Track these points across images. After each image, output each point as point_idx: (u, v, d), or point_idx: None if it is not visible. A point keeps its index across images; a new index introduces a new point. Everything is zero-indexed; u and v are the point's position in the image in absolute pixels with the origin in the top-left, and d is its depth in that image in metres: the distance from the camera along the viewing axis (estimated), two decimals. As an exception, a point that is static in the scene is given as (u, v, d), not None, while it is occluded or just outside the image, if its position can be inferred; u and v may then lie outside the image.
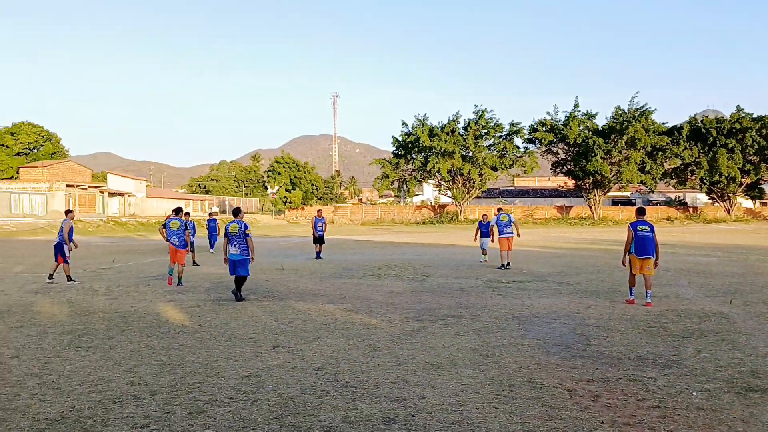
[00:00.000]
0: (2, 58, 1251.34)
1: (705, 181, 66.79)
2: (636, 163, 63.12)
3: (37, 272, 16.38)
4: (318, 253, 22.32)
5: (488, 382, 6.51)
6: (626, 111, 64.19)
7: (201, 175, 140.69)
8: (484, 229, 20.73)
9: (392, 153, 71.65)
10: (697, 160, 65.80)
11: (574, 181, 69.54)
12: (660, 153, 64.44)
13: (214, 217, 27.38)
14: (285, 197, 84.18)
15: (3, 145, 79.60)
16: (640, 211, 12.12)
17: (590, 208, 68.71)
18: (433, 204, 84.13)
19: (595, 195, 67.21)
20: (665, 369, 6.98)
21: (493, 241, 20.29)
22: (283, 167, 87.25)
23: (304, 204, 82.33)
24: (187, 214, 21.21)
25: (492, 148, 67.41)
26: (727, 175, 64.72)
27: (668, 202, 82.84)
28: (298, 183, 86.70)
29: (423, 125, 66.87)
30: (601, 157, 62.65)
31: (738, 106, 66.55)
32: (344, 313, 10.70)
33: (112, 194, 69.92)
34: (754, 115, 65.00)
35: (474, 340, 8.53)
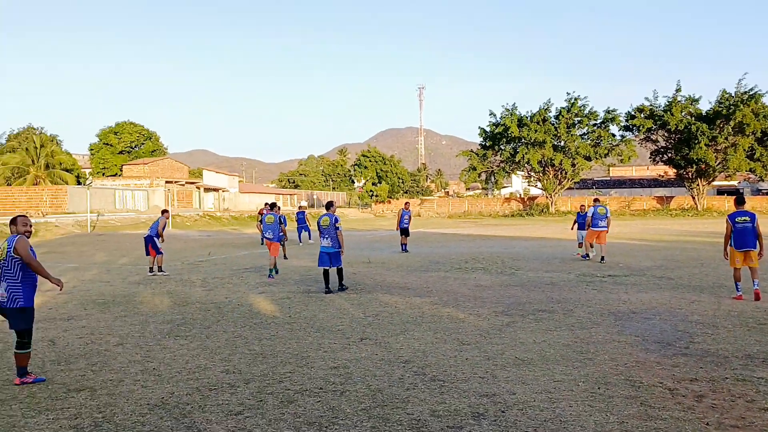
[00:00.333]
0: (109, 63, 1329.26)
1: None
2: (744, 150, 59.08)
3: (139, 264, 17.27)
4: (404, 246, 22.34)
5: (582, 379, 6.29)
6: (733, 94, 60.19)
7: (290, 170, 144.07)
8: (581, 221, 19.85)
9: (479, 144, 70.71)
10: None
11: (675, 170, 66.09)
12: (772, 138, 60.12)
13: (303, 210, 27.98)
14: (371, 191, 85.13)
15: (107, 144, 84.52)
16: (739, 201, 11.35)
17: (693, 198, 65.10)
18: (522, 196, 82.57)
19: (698, 185, 63.58)
20: (777, 370, 6.51)
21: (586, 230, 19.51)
22: (370, 161, 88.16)
23: (390, 197, 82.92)
24: (279, 208, 21.75)
25: (585, 136, 65.11)
26: None
27: (779, 192, 77.52)
28: (384, 176, 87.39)
29: (511, 115, 65.50)
30: (706, 145, 59.10)
31: None
32: (431, 306, 10.65)
33: (207, 190, 72.87)
34: None
35: (567, 335, 8.27)
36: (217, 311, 10.29)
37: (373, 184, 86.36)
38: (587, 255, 18.19)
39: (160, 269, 15.23)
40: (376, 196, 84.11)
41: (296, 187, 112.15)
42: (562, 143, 64.09)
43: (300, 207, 30.44)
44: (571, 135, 63.71)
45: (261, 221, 15.45)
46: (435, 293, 12.11)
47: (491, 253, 20.72)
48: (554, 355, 7.23)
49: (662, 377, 6.31)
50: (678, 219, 55.06)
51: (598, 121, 64.27)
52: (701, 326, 8.70)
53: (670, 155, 64.62)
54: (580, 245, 19.64)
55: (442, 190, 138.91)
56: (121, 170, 74.51)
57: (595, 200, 19.62)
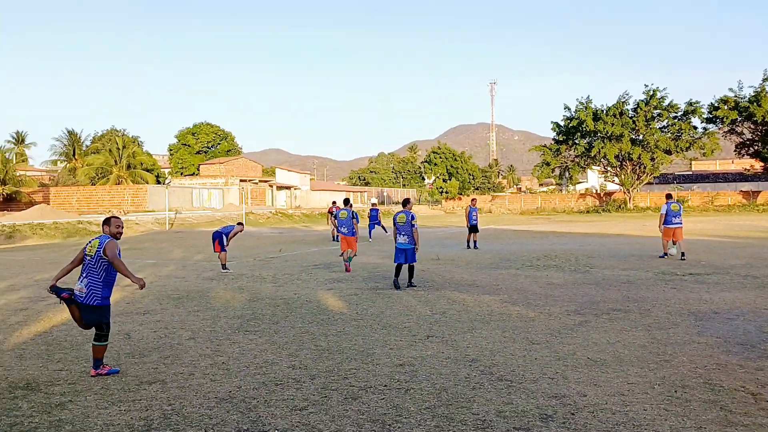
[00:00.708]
0: (187, 66, 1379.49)
1: None
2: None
3: (213, 261, 17.73)
4: (475, 243, 22.09)
5: (658, 382, 5.98)
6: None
7: (360, 167, 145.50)
8: None
9: (553, 139, 69.19)
10: None
11: (762, 164, 62.70)
12: None
13: (376, 207, 28.20)
14: (441, 187, 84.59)
15: (185, 145, 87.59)
16: None
17: (782, 193, 61.64)
18: (598, 191, 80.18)
19: (787, 179, 60.14)
20: None
21: (660, 228, 18.60)
22: (440, 157, 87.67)
23: (460, 194, 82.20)
24: (351, 204, 21.90)
25: (665, 129, 62.56)
26: None
27: None
28: (454, 173, 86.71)
29: (586, 108, 63.74)
30: (796, 137, 55.82)
31: None
32: (501, 304, 10.43)
33: (279, 188, 74.39)
34: None
35: (643, 336, 7.91)
36: (286, 307, 10.42)
37: (443, 180, 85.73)
38: (666, 254, 17.45)
39: (224, 266, 15.58)
40: (446, 192, 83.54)
41: (366, 184, 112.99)
42: (641, 137, 61.82)
43: (372, 204, 30.68)
44: (650, 128, 61.33)
45: (335, 216, 15.70)
46: (505, 291, 11.87)
47: (565, 250, 20.19)
48: (629, 357, 6.92)
49: (744, 381, 5.94)
50: (766, 215, 52.18)
51: (679, 114, 61.63)
52: (791, 328, 8.15)
53: (756, 148, 61.28)
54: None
55: (514, 186, 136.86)
56: (198, 170, 77.04)
57: (668, 196, 18.66)
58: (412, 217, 12.29)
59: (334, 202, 30.41)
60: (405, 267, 12.51)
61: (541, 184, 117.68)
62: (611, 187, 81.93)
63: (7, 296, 11.99)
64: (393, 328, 8.65)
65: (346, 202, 16.71)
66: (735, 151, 65.12)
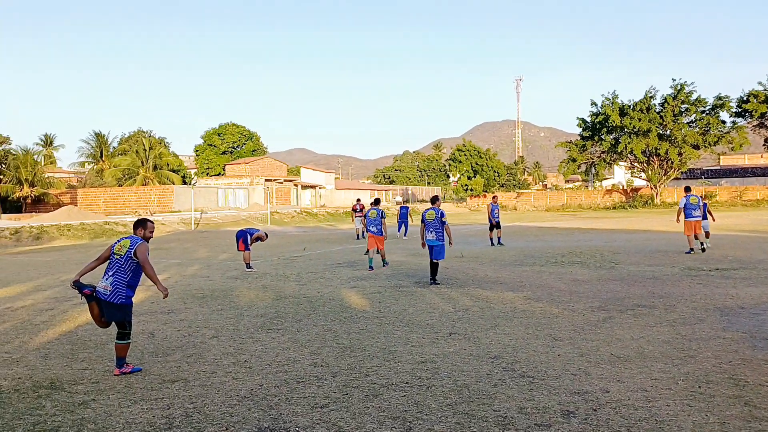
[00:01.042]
0: (213, 67, 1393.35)
1: None
2: None
3: (237, 260, 17.85)
4: (498, 239, 21.95)
5: (682, 377, 5.88)
6: None
7: (385, 166, 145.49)
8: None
9: (579, 135, 68.52)
10: None
11: (792, 158, 61.45)
12: None
13: (406, 205, 28.23)
14: (466, 185, 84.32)
15: (211, 145, 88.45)
16: None
17: (813, 187, 60.29)
18: (624, 187, 79.12)
19: (818, 172, 58.79)
20: None
21: (678, 221, 18.19)
22: (465, 155, 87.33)
23: (485, 191, 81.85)
24: (379, 201, 21.92)
25: (693, 124, 61.55)
26: None
27: None
28: (479, 170, 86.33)
29: (612, 103, 62.98)
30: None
31: None
32: (524, 301, 10.34)
33: (304, 187, 74.70)
34: None
35: (667, 332, 7.78)
36: (309, 305, 10.44)
37: (468, 178, 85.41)
38: (691, 249, 17.14)
39: (248, 265, 15.66)
40: (471, 190, 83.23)
41: (391, 182, 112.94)
42: (668, 132, 60.89)
43: (397, 202, 30.74)
44: (678, 123, 60.39)
45: (365, 216, 15.87)
46: (528, 288, 11.76)
47: (590, 247, 19.96)
48: (653, 352, 6.81)
49: (772, 377, 5.81)
50: (798, 209, 51.05)
51: (707, 108, 60.59)
52: (823, 323, 7.95)
53: (786, 141, 60.06)
54: (696, 236, 18.34)
55: (540, 183, 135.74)
56: (224, 170, 77.69)
57: (686, 189, 18.28)
58: (442, 214, 12.43)
59: (358, 200, 30.46)
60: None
61: (567, 181, 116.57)
62: (638, 183, 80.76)
63: (33, 296, 12.21)
64: (415, 325, 8.62)
65: (377, 201, 16.77)
66: (764, 145, 63.88)
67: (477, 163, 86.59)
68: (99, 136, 71.20)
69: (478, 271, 14.53)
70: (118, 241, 6.81)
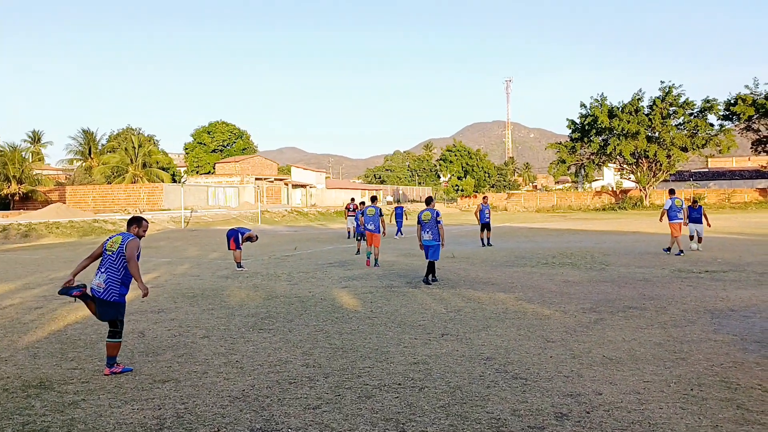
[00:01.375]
0: (202, 66, 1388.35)
1: None
2: None
3: (228, 259, 17.78)
4: (488, 240, 22.00)
5: (674, 380, 5.90)
6: None
7: (376, 165, 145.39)
8: (695, 215, 18.50)
9: (568, 137, 68.79)
10: None
11: (779, 161, 61.97)
12: None
13: (401, 205, 28.33)
14: (457, 185, 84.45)
15: (201, 143, 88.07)
16: None
17: (799, 190, 60.83)
18: (614, 189, 79.56)
19: (804, 175, 59.36)
20: None
21: (661, 221, 18.17)
22: (455, 155, 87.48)
23: (476, 192, 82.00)
24: (362, 203, 21.91)
25: (682, 126, 61.96)
26: None
27: None
28: (470, 171, 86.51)
29: (601, 105, 63.29)
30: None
31: None
32: (516, 302, 10.36)
33: (295, 186, 74.56)
34: None
35: (659, 334, 7.81)
36: (300, 305, 10.41)
37: (459, 178, 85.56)
38: (681, 251, 17.31)
39: (239, 265, 15.59)
40: (462, 190, 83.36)
41: (382, 182, 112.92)
42: (657, 134, 61.27)
43: (388, 202, 30.81)
44: (666, 125, 60.78)
45: (362, 213, 16.17)
46: (520, 289, 11.78)
47: (580, 248, 20.04)
48: (645, 355, 6.83)
49: (761, 379, 5.85)
50: (785, 211, 51.50)
51: (695, 111, 61.01)
52: (812, 326, 8.01)
53: (772, 145, 60.60)
54: (692, 237, 18.52)
55: (530, 184, 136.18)
56: (214, 168, 77.42)
57: (671, 191, 18.49)
58: (437, 214, 12.64)
59: (352, 199, 30.47)
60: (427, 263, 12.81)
61: (557, 182, 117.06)
62: (627, 184, 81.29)
63: (22, 294, 12.10)
64: (407, 326, 8.61)
65: (374, 199, 17.04)
66: (751, 148, 64.44)
67: (467, 164, 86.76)
68: (87, 134, 70.76)
69: (470, 271, 14.54)
70: (111, 237, 6.77)
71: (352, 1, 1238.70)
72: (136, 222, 6.86)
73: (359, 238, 19.61)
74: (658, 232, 26.45)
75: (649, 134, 61.45)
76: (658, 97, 61.21)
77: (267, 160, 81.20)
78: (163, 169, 66.27)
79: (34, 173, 59.97)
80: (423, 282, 12.63)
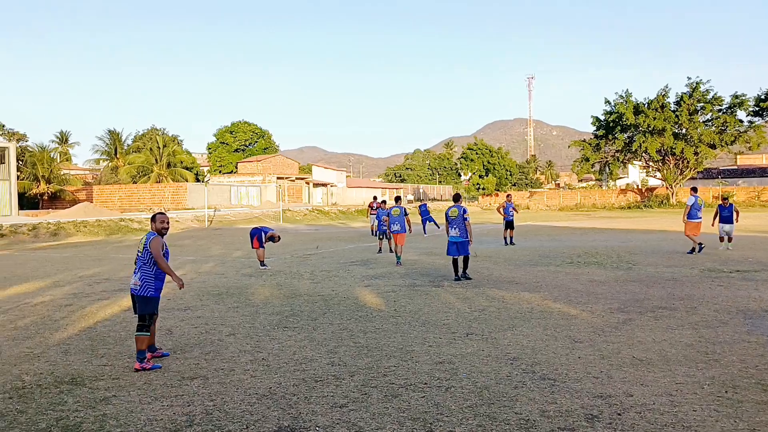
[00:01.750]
0: (224, 66, 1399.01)
1: None
2: None
3: (251, 258, 17.88)
4: (511, 239, 21.87)
5: (708, 381, 5.79)
6: None
7: (396, 164, 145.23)
8: (726, 213, 18.12)
9: (592, 134, 68.09)
10: None
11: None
12: None
13: (425, 203, 28.38)
14: (478, 184, 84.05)
15: (223, 143, 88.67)
16: None
17: (832, 187, 59.53)
18: (639, 187, 78.69)
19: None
20: None
21: (685, 220, 17.71)
22: (476, 154, 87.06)
23: (497, 190, 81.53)
24: (384, 202, 21.90)
25: (710, 123, 60.94)
26: None
27: None
28: (491, 169, 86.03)
29: (626, 101, 62.50)
30: None
31: None
32: (541, 301, 10.26)
33: (316, 185, 74.74)
34: None
35: (690, 335, 7.68)
36: (323, 303, 10.42)
37: (480, 177, 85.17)
38: (701, 246, 17.17)
39: (262, 263, 15.66)
40: (483, 189, 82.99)
41: (402, 181, 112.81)
42: (684, 131, 60.37)
43: (409, 201, 30.82)
44: (693, 122, 59.82)
45: (388, 213, 16.43)
46: (545, 288, 11.68)
47: (606, 247, 19.81)
48: (676, 356, 6.72)
49: (801, 382, 5.71)
50: (816, 210, 50.45)
51: (724, 107, 59.94)
52: None
53: (805, 140, 59.34)
54: (722, 239, 18.26)
55: (553, 182, 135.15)
56: (236, 167, 77.91)
57: (694, 189, 18.21)
58: (464, 211, 12.78)
59: (375, 197, 30.51)
60: (460, 259, 12.96)
61: (580, 180, 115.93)
62: (653, 182, 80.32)
63: (52, 292, 12.27)
64: (432, 325, 8.57)
65: (398, 199, 17.20)
66: (781, 144, 63.14)
67: (489, 162, 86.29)
68: (113, 134, 71.55)
69: (493, 270, 14.45)
70: (141, 239, 7.02)
71: (373, 1, 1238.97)
72: (152, 219, 7.11)
73: (381, 237, 19.63)
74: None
75: (676, 131, 60.59)
76: (685, 93, 60.29)
77: (288, 159, 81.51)
78: (187, 168, 66.88)
79: (62, 173, 60.80)
80: (454, 280, 12.72)
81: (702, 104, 60.00)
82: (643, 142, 60.08)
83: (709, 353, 6.80)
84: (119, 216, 38.27)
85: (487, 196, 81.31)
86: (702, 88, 59.55)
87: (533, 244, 22.11)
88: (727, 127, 59.71)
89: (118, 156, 70.42)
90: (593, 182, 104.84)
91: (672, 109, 60.71)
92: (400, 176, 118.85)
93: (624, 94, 63.31)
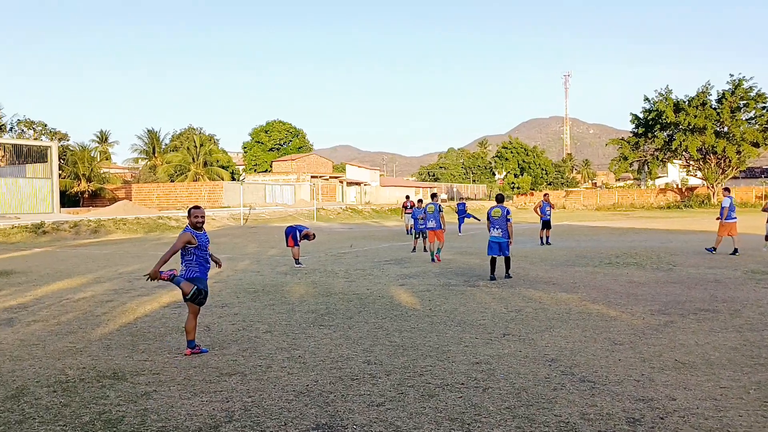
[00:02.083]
0: (261, 66, 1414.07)
1: None
2: None
3: (286, 256, 17.98)
4: (547, 239, 21.62)
5: (754, 386, 5.64)
6: None
7: (430, 163, 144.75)
8: None
9: (631, 132, 66.94)
10: None
11: None
12: None
13: (463, 201, 28.33)
14: (513, 183, 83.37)
15: (258, 142, 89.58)
16: None
17: None
18: (679, 186, 77.10)
19: None
20: None
21: (722, 220, 17.23)
22: (511, 152, 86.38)
23: (533, 189, 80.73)
24: (420, 201, 21.86)
25: (753, 121, 59.38)
26: None
27: None
28: (526, 168, 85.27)
29: (666, 99, 61.27)
30: None
31: None
32: (579, 302, 10.11)
33: (350, 183, 74.95)
34: None
35: (734, 338, 7.49)
36: (359, 302, 10.44)
37: (515, 176, 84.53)
38: (714, 248, 16.89)
39: (297, 261, 15.76)
40: (518, 188, 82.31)
41: (436, 180, 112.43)
42: (726, 129, 58.94)
43: (442, 200, 30.75)
44: (736, 120, 58.36)
45: (423, 211, 16.67)
46: (582, 289, 11.51)
47: (645, 248, 19.44)
48: (720, 359, 6.56)
49: None
50: None
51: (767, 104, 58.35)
52: None
53: None
54: (767, 238, 17.76)
55: (589, 181, 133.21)
56: (271, 166, 78.66)
57: (726, 190, 17.80)
58: (507, 212, 12.81)
59: (407, 197, 30.48)
60: (501, 259, 13.04)
61: (617, 179, 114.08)
62: (693, 181, 78.60)
63: (93, 288, 12.53)
64: (467, 325, 8.51)
65: (434, 196, 17.38)
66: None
67: (524, 161, 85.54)
68: (151, 133, 72.85)
69: (529, 271, 14.30)
70: None
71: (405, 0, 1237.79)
72: (187, 213, 7.31)
73: (417, 235, 19.57)
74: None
75: (718, 129, 59.22)
76: (727, 90, 58.86)
77: (322, 158, 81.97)
78: (223, 167, 67.75)
79: (102, 172, 62.18)
80: (489, 279, 12.69)
81: (745, 101, 58.52)
82: (684, 140, 58.86)
83: (754, 357, 6.62)
84: (157, 214, 38.92)
85: (522, 195, 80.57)
86: (745, 85, 58.09)
87: (570, 244, 21.82)
88: (771, 124, 58.12)
89: (156, 155, 71.68)
90: (631, 181, 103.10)
91: (713, 106, 59.33)
92: (434, 175, 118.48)
93: (664, 92, 62.12)
